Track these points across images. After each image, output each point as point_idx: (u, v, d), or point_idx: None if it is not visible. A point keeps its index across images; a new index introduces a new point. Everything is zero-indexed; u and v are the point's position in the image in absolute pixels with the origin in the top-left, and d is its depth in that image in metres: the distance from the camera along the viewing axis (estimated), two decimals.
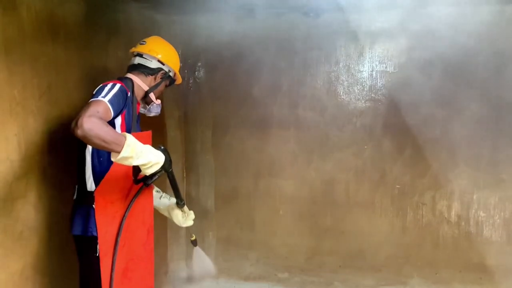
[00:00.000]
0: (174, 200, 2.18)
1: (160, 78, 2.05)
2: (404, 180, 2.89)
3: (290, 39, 2.93)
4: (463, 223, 2.83)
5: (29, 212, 1.89)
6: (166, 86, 2.12)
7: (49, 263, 2.00)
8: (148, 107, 2.05)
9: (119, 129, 1.79)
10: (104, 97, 1.66)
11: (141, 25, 2.71)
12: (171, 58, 2.08)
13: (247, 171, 3.15)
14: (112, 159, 1.58)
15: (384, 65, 2.84)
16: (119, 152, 1.55)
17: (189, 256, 3.32)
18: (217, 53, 3.07)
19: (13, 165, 1.79)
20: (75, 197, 1.85)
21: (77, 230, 1.80)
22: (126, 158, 1.57)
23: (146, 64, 2.00)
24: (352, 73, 2.91)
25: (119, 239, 1.80)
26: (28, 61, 1.86)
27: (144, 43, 2.05)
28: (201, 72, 3.16)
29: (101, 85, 1.76)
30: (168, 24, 2.94)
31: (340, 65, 2.92)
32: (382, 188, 2.94)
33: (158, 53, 2.02)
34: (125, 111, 1.81)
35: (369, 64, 2.87)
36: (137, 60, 2.02)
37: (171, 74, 2.09)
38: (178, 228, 3.27)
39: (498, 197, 2.77)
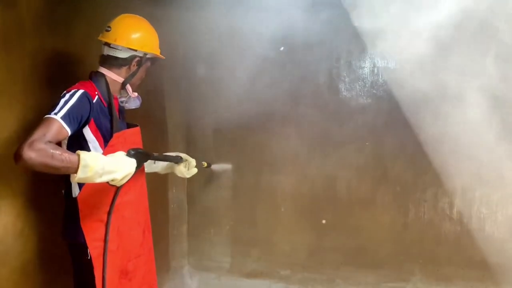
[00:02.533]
0: None
1: (136, 66, 1.85)
2: (405, 177, 2.88)
3: (291, 35, 2.91)
4: (465, 220, 2.81)
5: (29, 209, 1.90)
6: (148, 67, 1.93)
7: (50, 260, 2.01)
8: (125, 100, 1.90)
9: (93, 138, 1.71)
10: (57, 112, 1.54)
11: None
12: (143, 41, 1.84)
13: (248, 168, 3.14)
14: (71, 180, 1.51)
15: (386, 61, 2.83)
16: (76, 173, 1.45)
17: (190, 254, 3.34)
18: (218, 50, 3.06)
19: (13, 162, 1.79)
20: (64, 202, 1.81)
21: (68, 237, 1.79)
22: (84, 179, 1.48)
23: (116, 55, 1.80)
24: (354, 70, 2.89)
25: (108, 243, 1.75)
26: (28, 58, 1.86)
27: (109, 29, 1.81)
28: (202, 68, 3.15)
29: (64, 91, 1.65)
30: (169, 20, 2.93)
31: (341, 62, 2.90)
32: (384, 184, 2.92)
33: (127, 40, 1.79)
34: (92, 119, 1.69)
35: (371, 60, 2.85)
36: (106, 51, 1.81)
37: (149, 56, 1.88)
38: (180, 225, 3.30)
39: (501, 194, 2.75)
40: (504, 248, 2.77)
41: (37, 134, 1.45)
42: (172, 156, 2.12)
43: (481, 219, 2.80)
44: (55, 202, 1.99)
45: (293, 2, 2.73)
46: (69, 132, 1.57)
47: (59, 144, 1.60)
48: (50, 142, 1.46)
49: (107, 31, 1.81)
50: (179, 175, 2.20)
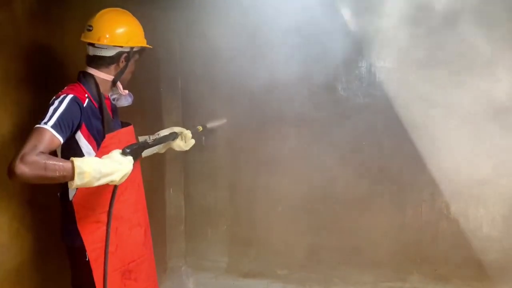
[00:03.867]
0: None
1: (125, 62, 1.79)
2: (403, 177, 2.88)
3: (288, 35, 2.91)
4: (462, 220, 2.82)
5: (25, 210, 1.89)
6: (136, 59, 1.87)
7: (46, 261, 2.00)
8: (117, 97, 1.85)
9: (86, 143, 1.68)
10: (47, 122, 1.49)
11: (138, 20, 2.69)
12: (128, 36, 1.76)
13: (246, 167, 3.14)
14: (70, 187, 1.48)
15: (383, 61, 2.82)
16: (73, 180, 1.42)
17: (188, 254, 3.33)
18: (215, 49, 3.04)
19: (8, 162, 1.78)
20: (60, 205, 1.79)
21: (66, 240, 1.78)
22: (82, 185, 1.45)
23: (102, 54, 1.73)
24: (351, 69, 2.89)
25: (108, 244, 1.74)
26: (23, 58, 1.85)
27: (90, 28, 1.72)
28: (199, 68, 3.14)
29: (53, 97, 1.62)
30: (166, 19, 2.92)
31: (339, 61, 2.89)
32: (381, 184, 2.92)
33: (111, 38, 1.71)
34: (84, 124, 1.65)
35: (368, 60, 2.84)
36: (91, 51, 1.75)
37: (136, 49, 1.82)
38: (177, 225, 3.29)
39: (498, 194, 2.75)
40: (501, 247, 2.78)
41: (28, 146, 1.41)
42: (167, 135, 2.07)
43: (478, 219, 2.80)
44: (51, 202, 1.98)
45: (291, 2, 2.72)
46: (61, 141, 1.53)
47: (53, 153, 1.56)
48: (42, 153, 1.42)
49: (89, 30, 1.73)
50: (178, 149, 2.16)
